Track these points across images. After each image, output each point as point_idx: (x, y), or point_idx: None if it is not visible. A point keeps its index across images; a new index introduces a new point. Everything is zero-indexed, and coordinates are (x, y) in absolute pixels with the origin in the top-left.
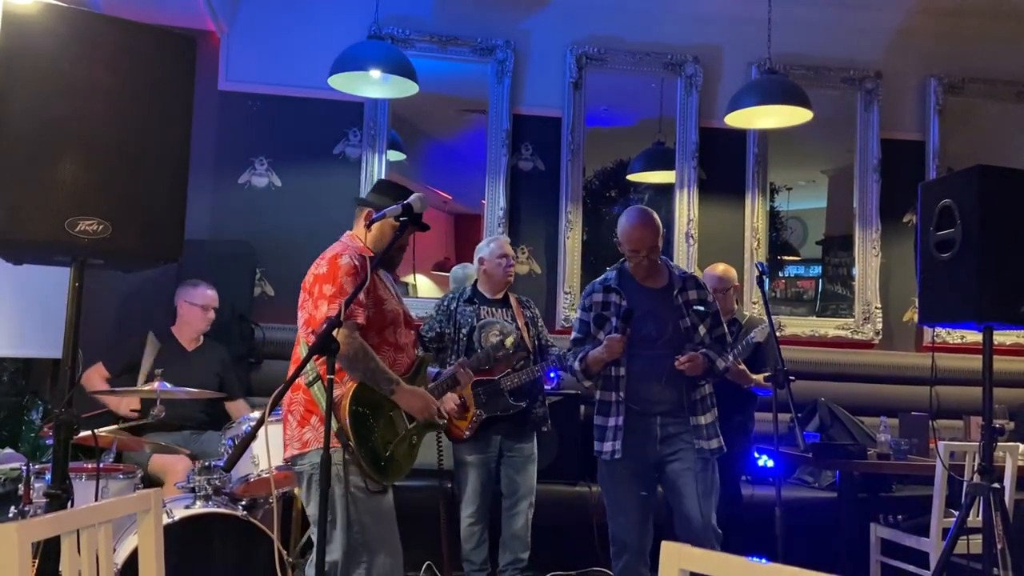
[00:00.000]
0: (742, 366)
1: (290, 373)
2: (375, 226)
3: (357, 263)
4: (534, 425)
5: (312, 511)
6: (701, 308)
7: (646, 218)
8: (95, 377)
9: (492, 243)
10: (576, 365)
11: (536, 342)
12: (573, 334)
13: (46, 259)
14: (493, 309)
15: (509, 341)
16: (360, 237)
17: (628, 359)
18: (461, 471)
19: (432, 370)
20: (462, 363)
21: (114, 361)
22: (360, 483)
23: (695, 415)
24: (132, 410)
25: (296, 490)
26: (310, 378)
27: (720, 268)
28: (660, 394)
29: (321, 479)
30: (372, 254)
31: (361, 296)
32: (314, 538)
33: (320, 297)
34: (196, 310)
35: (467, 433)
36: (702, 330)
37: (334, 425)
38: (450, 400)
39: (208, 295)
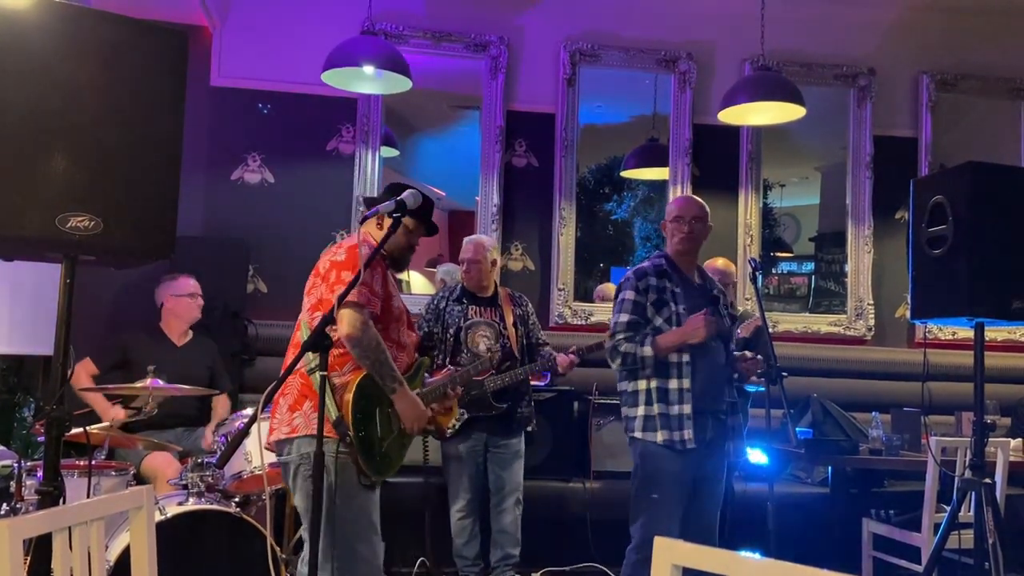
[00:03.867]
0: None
1: (287, 358)
2: (385, 225)
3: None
4: (519, 425)
5: (299, 503)
6: (734, 313)
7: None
8: (82, 374)
9: (465, 243)
10: (646, 350)
11: (525, 341)
12: (626, 316)
13: (37, 255)
14: (481, 308)
15: (483, 349)
16: (372, 235)
17: (689, 345)
18: (449, 466)
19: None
20: (451, 375)
21: (102, 358)
22: (352, 478)
23: (732, 416)
24: (124, 407)
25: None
26: (312, 365)
27: (720, 262)
28: (717, 389)
29: (314, 474)
30: (385, 252)
31: (377, 288)
32: (305, 535)
33: (338, 282)
34: (184, 300)
35: (449, 432)
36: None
37: (334, 414)
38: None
39: (191, 283)
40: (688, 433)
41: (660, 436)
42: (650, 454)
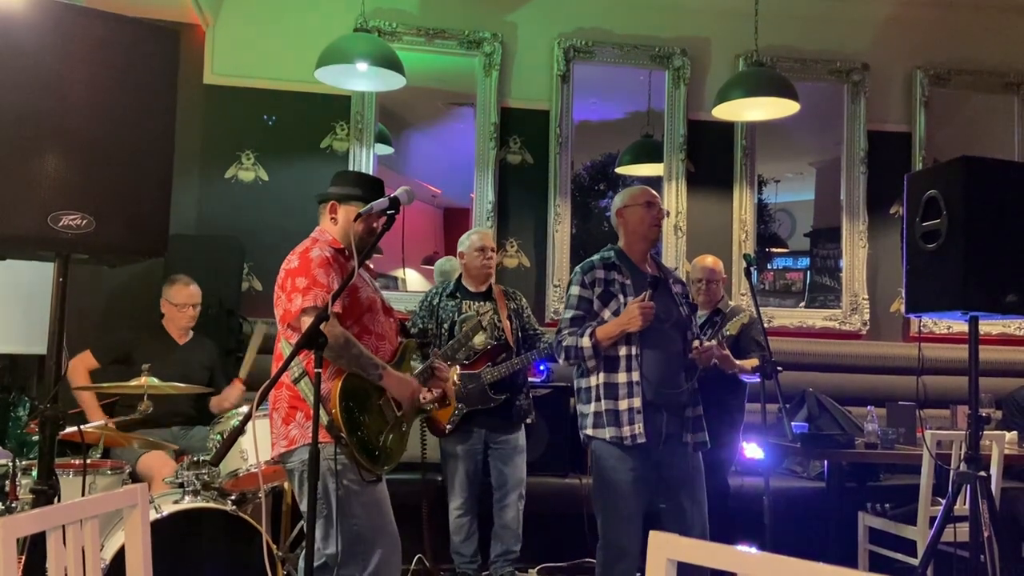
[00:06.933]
0: (726, 351)
1: (274, 369)
2: (339, 218)
3: (328, 255)
4: (518, 417)
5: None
6: (689, 302)
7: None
8: (80, 367)
9: (472, 235)
10: (584, 341)
11: (520, 334)
12: (570, 312)
13: (30, 254)
14: (475, 303)
15: (479, 340)
16: (328, 231)
17: (638, 337)
18: (448, 464)
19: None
20: (435, 355)
21: (104, 351)
22: (354, 475)
23: (692, 407)
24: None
25: (286, 484)
26: (296, 375)
27: (710, 259)
28: (672, 379)
29: (309, 474)
30: (341, 246)
31: (334, 286)
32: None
33: (293, 291)
34: (173, 309)
35: (449, 427)
36: (693, 321)
37: (324, 419)
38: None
39: (186, 292)
40: (638, 428)
41: (608, 433)
42: (602, 452)
